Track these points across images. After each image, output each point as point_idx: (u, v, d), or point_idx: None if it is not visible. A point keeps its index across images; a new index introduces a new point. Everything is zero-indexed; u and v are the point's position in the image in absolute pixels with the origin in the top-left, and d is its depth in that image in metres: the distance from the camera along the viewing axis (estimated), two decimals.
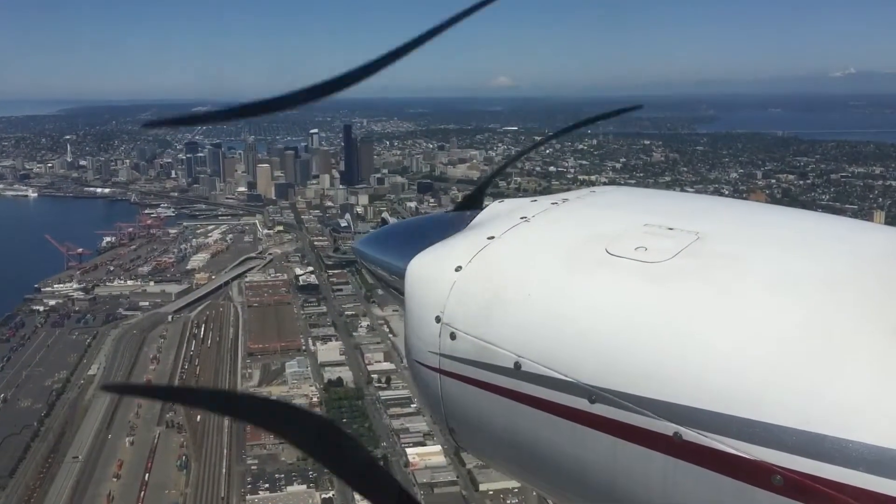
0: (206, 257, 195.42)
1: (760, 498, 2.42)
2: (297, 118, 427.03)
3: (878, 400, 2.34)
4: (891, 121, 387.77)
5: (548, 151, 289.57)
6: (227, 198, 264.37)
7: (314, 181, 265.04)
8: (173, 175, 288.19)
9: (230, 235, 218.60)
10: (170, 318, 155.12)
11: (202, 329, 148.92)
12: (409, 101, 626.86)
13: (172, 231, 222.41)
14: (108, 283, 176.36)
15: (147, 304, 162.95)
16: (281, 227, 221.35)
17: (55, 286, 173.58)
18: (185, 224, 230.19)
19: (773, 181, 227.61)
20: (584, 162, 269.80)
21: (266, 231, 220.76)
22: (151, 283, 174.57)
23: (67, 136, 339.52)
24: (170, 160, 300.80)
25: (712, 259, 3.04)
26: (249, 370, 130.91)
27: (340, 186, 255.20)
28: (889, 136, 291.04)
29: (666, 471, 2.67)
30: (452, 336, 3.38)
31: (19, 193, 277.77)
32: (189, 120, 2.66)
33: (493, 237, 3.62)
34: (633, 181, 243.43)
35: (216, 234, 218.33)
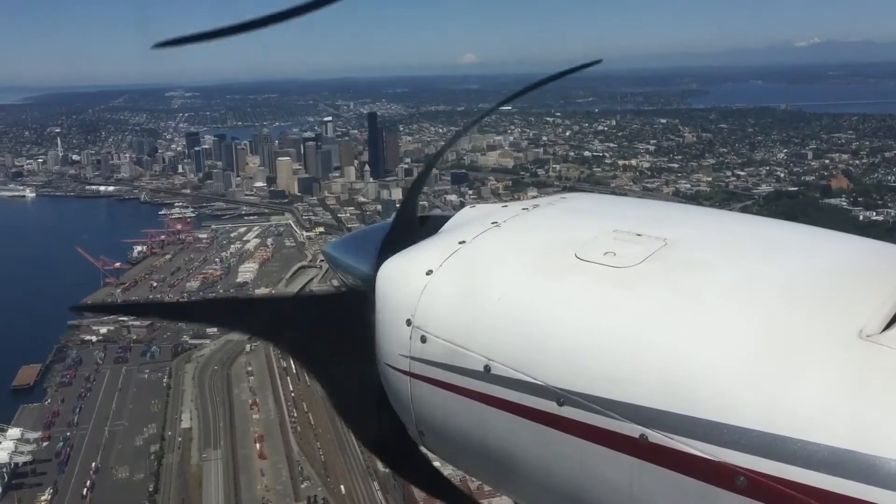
0: (255, 267, 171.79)
1: (724, 499, 2.43)
2: (282, 103, 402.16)
3: (839, 402, 2.37)
4: (883, 91, 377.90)
5: (567, 134, 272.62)
6: (245, 194, 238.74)
7: (336, 174, 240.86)
8: (181, 170, 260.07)
9: (269, 239, 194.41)
10: (247, 347, 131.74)
11: (289, 361, 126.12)
12: (382, 80, 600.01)
13: (203, 236, 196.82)
14: None
15: (214, 330, 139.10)
16: (321, 229, 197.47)
17: None
18: (213, 227, 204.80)
19: (828, 161, 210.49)
20: (612, 145, 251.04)
21: (306, 233, 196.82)
22: None
23: (56, 129, 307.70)
24: (173, 153, 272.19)
25: (678, 265, 3.07)
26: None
27: (371, 180, 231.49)
28: None
29: (632, 473, 2.69)
30: (423, 339, 3.35)
31: (16, 194, 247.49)
32: (203, 36, 2.56)
33: (464, 242, 3.61)
34: (675, 165, 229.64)
35: (253, 239, 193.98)
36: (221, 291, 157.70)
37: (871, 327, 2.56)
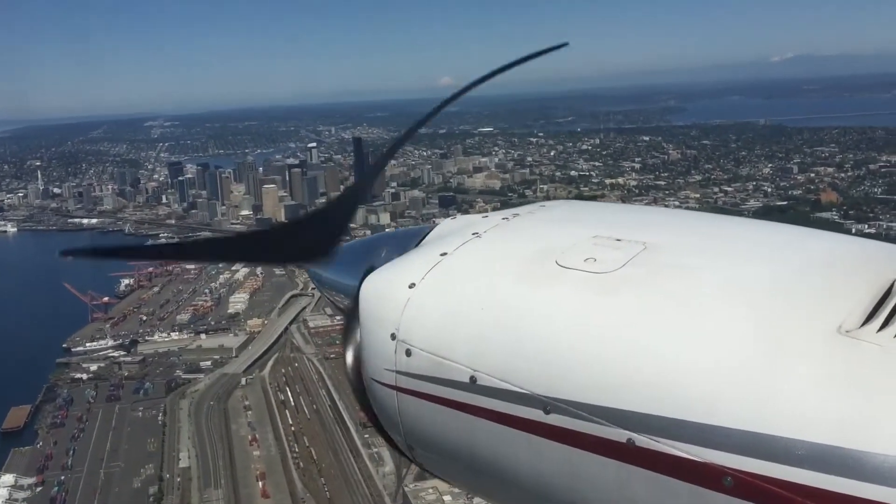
0: (246, 297, 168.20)
1: (712, 499, 2.44)
2: (263, 130, 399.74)
3: (823, 400, 2.39)
4: (862, 102, 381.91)
5: (551, 154, 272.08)
6: (232, 223, 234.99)
7: (323, 200, 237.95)
8: (164, 200, 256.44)
9: (258, 269, 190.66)
10: (243, 380, 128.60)
11: (288, 393, 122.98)
12: (363, 105, 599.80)
13: (191, 267, 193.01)
14: (148, 338, 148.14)
15: (208, 363, 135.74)
16: None
17: (87, 344, 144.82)
18: None
19: (814, 175, 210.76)
20: (597, 163, 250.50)
21: None
22: (203, 336, 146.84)
23: (35, 162, 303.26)
24: (156, 184, 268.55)
25: (659, 268, 3.11)
26: (375, 448, 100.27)
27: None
28: (879, 119, 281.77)
29: (621, 477, 2.69)
30: (408, 353, 3.35)
31: None
32: (110, 252, 2.46)
33: (445, 253, 3.63)
34: (662, 182, 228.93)
35: (242, 268, 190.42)
36: (213, 323, 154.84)
37: (849, 323, 2.60)
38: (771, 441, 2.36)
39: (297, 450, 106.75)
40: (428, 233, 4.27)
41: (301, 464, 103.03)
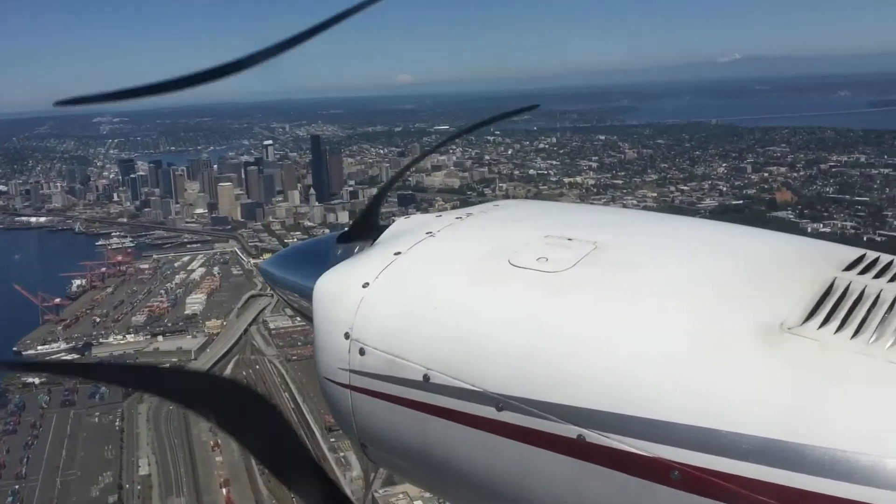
0: (203, 298, 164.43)
1: (660, 493, 2.51)
2: (216, 127, 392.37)
3: (766, 395, 2.47)
4: (809, 103, 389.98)
5: (509, 152, 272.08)
6: (186, 222, 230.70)
7: (280, 198, 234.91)
8: (116, 198, 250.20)
9: (216, 268, 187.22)
10: None
11: None
12: (317, 102, 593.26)
13: (145, 266, 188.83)
14: (102, 340, 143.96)
15: (166, 366, 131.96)
16: (269, 255, 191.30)
17: (39, 347, 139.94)
18: (155, 257, 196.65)
19: (767, 174, 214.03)
20: (554, 162, 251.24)
21: (253, 261, 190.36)
22: (160, 339, 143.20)
23: None
24: (107, 182, 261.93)
25: (608, 267, 3.19)
26: (342, 452, 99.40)
27: (316, 203, 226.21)
28: (826, 119, 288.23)
29: (572, 473, 2.74)
30: (361, 352, 3.39)
31: None
32: (107, 97, 2.55)
33: (399, 253, 3.68)
34: (619, 181, 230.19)
35: (199, 268, 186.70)
36: (170, 325, 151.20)
37: (791, 320, 2.68)
38: (716, 435, 2.43)
39: None
40: (382, 232, 4.29)
41: (266, 470, 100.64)
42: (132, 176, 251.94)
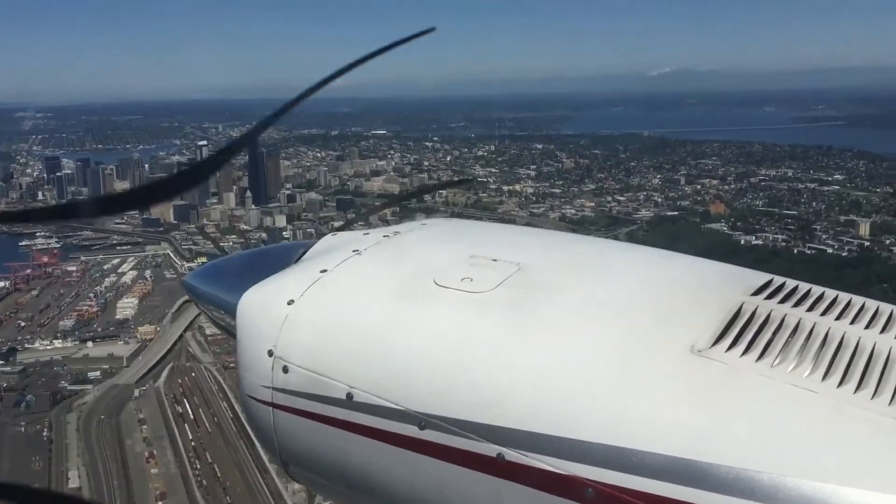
0: (135, 302, 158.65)
1: None
2: (145, 125, 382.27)
3: (676, 415, 2.55)
4: (736, 117, 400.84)
5: (448, 159, 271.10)
6: (116, 223, 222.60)
7: (215, 200, 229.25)
8: (41, 196, 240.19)
9: (147, 271, 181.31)
10: (136, 392, 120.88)
11: (186, 406, 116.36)
12: (250, 102, 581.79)
13: (72, 269, 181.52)
14: (28, 346, 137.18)
15: (97, 373, 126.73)
16: (204, 259, 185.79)
17: None
18: (83, 259, 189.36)
19: (700, 186, 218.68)
20: (493, 170, 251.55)
21: (188, 264, 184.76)
22: (90, 344, 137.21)
23: None
24: (31, 179, 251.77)
25: (530, 288, 3.24)
26: None
27: (252, 206, 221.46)
28: (755, 134, 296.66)
29: (491, 491, 2.78)
30: (285, 369, 3.38)
31: None
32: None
33: (325, 270, 3.68)
34: (557, 190, 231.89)
35: (130, 271, 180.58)
36: (100, 330, 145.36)
37: (701, 342, 2.75)
38: (629, 454, 2.49)
39: (199, 467, 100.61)
40: (308, 249, 4.28)
41: (204, 482, 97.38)
42: (58, 174, 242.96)
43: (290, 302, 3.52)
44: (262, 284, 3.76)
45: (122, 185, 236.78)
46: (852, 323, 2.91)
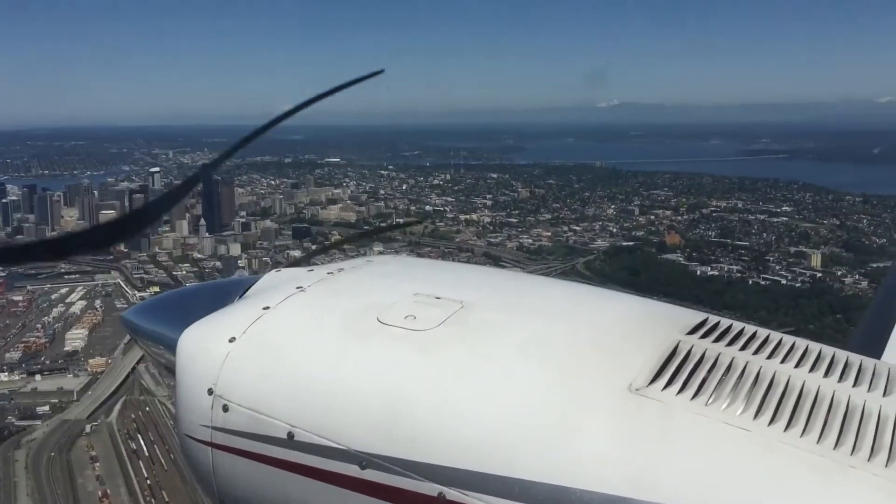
0: (85, 333, 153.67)
1: None
2: (93, 150, 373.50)
3: (614, 454, 2.58)
4: (684, 149, 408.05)
5: (403, 188, 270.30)
6: None
7: (167, 228, 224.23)
8: None
9: (97, 301, 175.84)
10: (87, 428, 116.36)
11: (140, 442, 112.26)
12: (200, 129, 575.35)
13: (18, 298, 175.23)
14: None
15: (45, 407, 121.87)
16: (157, 289, 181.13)
17: None
18: (30, 288, 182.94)
19: (653, 217, 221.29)
20: (449, 199, 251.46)
21: (139, 293, 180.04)
22: (38, 378, 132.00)
23: None
24: None
25: (473, 326, 3.26)
26: None
27: (206, 235, 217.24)
28: (701, 165, 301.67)
29: None
30: (225, 408, 3.35)
31: None
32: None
33: (268, 307, 3.66)
34: (514, 219, 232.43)
35: (79, 301, 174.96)
36: (48, 362, 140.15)
37: (639, 381, 2.80)
38: (569, 493, 2.51)
39: None
40: (251, 285, 4.25)
41: None
42: (3, 200, 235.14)
43: (232, 339, 3.47)
44: (203, 322, 3.71)
45: (70, 212, 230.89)
46: (783, 362, 2.97)
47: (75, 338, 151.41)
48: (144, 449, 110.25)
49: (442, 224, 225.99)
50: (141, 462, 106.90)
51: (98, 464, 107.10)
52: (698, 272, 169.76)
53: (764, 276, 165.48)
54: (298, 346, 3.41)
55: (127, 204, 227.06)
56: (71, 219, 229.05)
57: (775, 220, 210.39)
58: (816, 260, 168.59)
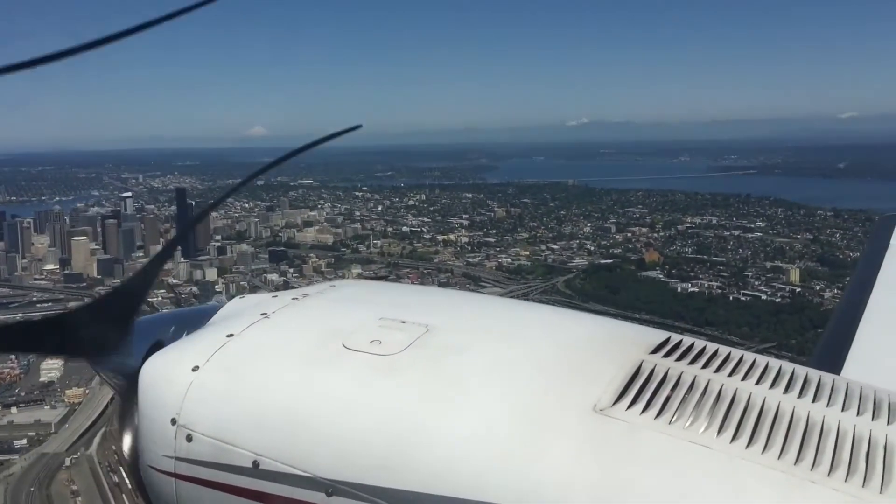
0: (60, 364, 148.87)
1: None
2: (60, 176, 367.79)
3: (579, 474, 2.61)
4: (654, 166, 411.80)
5: (379, 209, 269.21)
6: (35, 279, 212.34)
7: (140, 254, 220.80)
8: None
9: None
10: (67, 461, 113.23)
11: (122, 474, 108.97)
12: (170, 152, 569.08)
13: None
14: None
15: (23, 441, 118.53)
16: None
17: None
18: (1, 318, 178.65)
19: (630, 234, 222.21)
20: (426, 219, 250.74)
21: None
22: (14, 410, 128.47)
23: None
24: None
25: (438, 350, 3.25)
26: None
27: (182, 260, 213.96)
28: (673, 182, 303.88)
29: None
30: (189, 438, 3.29)
31: None
32: None
33: (232, 335, 3.60)
34: (491, 239, 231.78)
35: None
36: (24, 394, 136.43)
37: (603, 401, 2.83)
38: None
39: None
40: (215, 312, 4.19)
41: None
42: None
43: (195, 368, 3.41)
44: (166, 350, 3.65)
45: (40, 239, 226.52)
46: (744, 379, 3.01)
47: (50, 368, 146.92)
48: (126, 482, 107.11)
49: (420, 245, 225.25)
50: (124, 495, 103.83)
51: (80, 498, 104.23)
52: (679, 289, 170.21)
53: (744, 291, 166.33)
54: (263, 374, 3.33)
55: (99, 230, 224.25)
56: (42, 246, 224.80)
57: (750, 235, 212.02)
58: (795, 275, 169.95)
